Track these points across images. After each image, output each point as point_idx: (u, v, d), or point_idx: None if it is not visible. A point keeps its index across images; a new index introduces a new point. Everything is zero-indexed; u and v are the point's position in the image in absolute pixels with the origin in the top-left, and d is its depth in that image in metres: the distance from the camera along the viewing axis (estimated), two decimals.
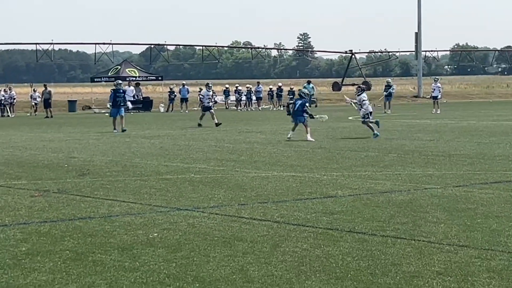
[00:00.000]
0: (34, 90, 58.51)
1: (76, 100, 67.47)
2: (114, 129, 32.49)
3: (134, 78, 63.32)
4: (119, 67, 66.34)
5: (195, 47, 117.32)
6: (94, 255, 8.93)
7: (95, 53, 74.76)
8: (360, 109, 28.00)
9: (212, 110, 36.68)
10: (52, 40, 74.10)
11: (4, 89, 58.64)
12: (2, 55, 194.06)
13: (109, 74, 65.65)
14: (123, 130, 32.10)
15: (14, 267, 8.36)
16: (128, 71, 64.38)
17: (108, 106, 35.70)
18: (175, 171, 17.48)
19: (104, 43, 71.77)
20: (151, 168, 18.10)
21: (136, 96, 60.53)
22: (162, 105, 62.22)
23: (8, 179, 16.29)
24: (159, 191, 14.20)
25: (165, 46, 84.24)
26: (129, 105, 35.63)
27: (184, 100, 60.82)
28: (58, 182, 15.59)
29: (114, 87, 34.05)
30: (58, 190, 14.38)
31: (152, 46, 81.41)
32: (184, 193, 13.92)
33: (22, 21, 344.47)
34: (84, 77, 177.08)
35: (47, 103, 53.66)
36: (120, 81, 35.75)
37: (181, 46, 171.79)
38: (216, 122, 35.12)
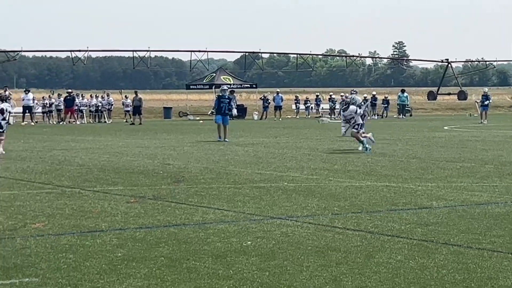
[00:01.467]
0: (125, 96, 59.54)
1: (171, 107, 68.35)
2: (219, 137, 31.59)
3: (229, 86, 63.77)
4: (214, 74, 66.97)
5: (290, 55, 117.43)
6: (188, 262, 9.01)
7: (190, 60, 75.55)
8: (348, 123, 26.41)
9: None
10: (149, 47, 75.27)
11: (102, 96, 59.87)
12: (100, 61, 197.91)
13: (204, 81, 66.35)
14: (224, 141, 31.08)
15: (110, 273, 8.50)
16: (223, 78, 64.94)
17: (210, 113, 35.53)
18: (269, 179, 17.52)
19: (199, 51, 72.39)
20: (245, 176, 18.19)
21: None
22: (256, 112, 62.55)
23: (104, 184, 16.60)
24: (253, 199, 14.25)
25: (260, 54, 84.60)
26: (234, 112, 34.07)
27: (277, 108, 60.99)
28: (154, 189, 15.81)
29: (219, 94, 33.70)
30: (154, 197, 14.58)
31: (247, 53, 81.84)
32: (278, 202, 13.94)
33: (120, 29, 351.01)
34: (180, 84, 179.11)
35: (137, 110, 54.36)
36: (225, 87, 34.54)
37: (275, 54, 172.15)
38: None
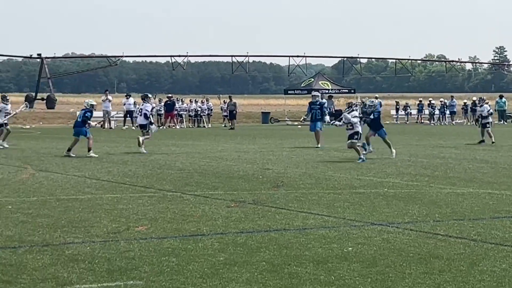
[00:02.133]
0: (224, 101, 60.06)
1: (269, 112, 68.61)
2: (317, 143, 30.95)
3: (327, 91, 63.68)
4: (313, 79, 66.95)
5: (388, 60, 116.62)
6: (290, 267, 9.02)
7: (288, 65, 75.65)
8: (349, 129, 24.41)
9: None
10: (247, 52, 75.75)
11: (202, 100, 60.51)
12: (198, 66, 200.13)
13: (302, 86, 66.37)
14: (316, 147, 30.53)
15: (212, 277, 8.57)
16: (321, 83, 64.88)
17: (302, 119, 35.22)
18: (368, 185, 17.42)
19: (297, 56, 72.45)
20: (344, 182, 18.12)
21: (328, 109, 60.85)
22: None
23: (205, 189, 16.76)
24: (353, 205, 14.19)
25: (358, 58, 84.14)
26: (327, 118, 33.04)
27: None
28: (253, 193, 15.88)
29: (310, 100, 33.23)
30: (254, 201, 14.65)
31: (345, 58, 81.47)
32: (378, 208, 13.84)
33: (219, 35, 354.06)
34: (277, 89, 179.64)
35: (231, 114, 54.91)
36: (316, 93, 34.24)
37: (373, 59, 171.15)
38: None
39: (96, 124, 30.54)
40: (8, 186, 17.09)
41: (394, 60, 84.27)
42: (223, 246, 10.29)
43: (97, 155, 25.10)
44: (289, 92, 70.13)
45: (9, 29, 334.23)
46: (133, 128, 51.20)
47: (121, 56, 75.22)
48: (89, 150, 25.33)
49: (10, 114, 31.40)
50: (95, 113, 57.70)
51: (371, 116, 25.54)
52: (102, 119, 53.05)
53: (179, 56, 70.89)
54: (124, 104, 55.07)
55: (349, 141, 24.15)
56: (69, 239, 10.76)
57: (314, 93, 34.71)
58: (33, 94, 62.65)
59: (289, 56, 73.47)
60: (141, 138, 27.45)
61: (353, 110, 24.64)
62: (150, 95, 30.36)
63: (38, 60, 71.35)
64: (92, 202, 14.51)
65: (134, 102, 55.34)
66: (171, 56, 71.54)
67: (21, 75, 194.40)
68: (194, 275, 8.64)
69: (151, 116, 28.42)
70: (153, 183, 17.90)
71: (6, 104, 31.39)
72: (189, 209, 13.69)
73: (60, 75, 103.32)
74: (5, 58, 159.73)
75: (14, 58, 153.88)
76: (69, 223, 12.05)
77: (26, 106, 39.54)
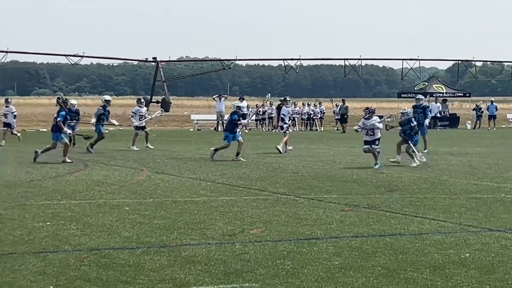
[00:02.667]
0: (336, 105, 59.84)
1: (382, 116, 68.03)
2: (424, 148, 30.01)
3: (441, 95, 62.76)
4: (427, 83, 66.11)
5: (504, 63, 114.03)
6: (405, 273, 8.93)
7: (401, 68, 74.91)
8: (369, 134, 23.46)
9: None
10: (360, 55, 75.27)
11: (314, 104, 60.51)
12: (311, 69, 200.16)
13: (416, 89, 65.59)
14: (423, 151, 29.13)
15: (327, 281, 8.56)
16: (435, 87, 63.98)
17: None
18: (485, 190, 17.08)
19: (411, 59, 71.70)
20: (460, 186, 17.82)
21: (442, 113, 59.97)
22: (469, 122, 61.09)
23: (319, 192, 16.74)
24: (469, 210, 13.94)
25: (473, 62, 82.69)
26: (426, 122, 31.76)
27: (491, 117, 59.33)
28: (368, 197, 15.78)
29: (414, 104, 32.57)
30: (368, 206, 14.55)
31: (459, 62, 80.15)
32: (495, 213, 13.56)
33: (331, 38, 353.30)
34: (390, 92, 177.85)
35: (343, 118, 54.61)
36: (420, 96, 33.36)
37: (488, 62, 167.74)
38: None
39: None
40: (125, 187, 17.46)
41: (510, 63, 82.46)
42: (338, 250, 10.26)
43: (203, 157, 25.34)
44: (402, 95, 69.40)
45: (126, 33, 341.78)
46: (246, 131, 51.54)
47: (234, 60, 75.93)
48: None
49: (145, 117, 32.06)
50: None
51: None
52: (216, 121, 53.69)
53: (292, 59, 71.08)
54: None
55: (368, 146, 23.38)
56: (186, 240, 10.92)
57: (418, 96, 34.11)
58: (148, 97, 63.82)
59: (403, 60, 72.74)
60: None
61: (372, 116, 23.92)
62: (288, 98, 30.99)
63: (153, 63, 72.70)
64: (207, 204, 14.68)
65: (248, 105, 55.75)
66: (283, 59, 71.78)
67: (137, 78, 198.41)
68: (309, 278, 8.64)
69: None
70: (267, 186, 17.99)
71: (141, 107, 32.16)
72: (303, 212, 13.70)
73: (174, 78, 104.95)
74: (121, 61, 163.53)
75: (130, 61, 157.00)
76: (185, 225, 12.23)
77: (162, 112, 40.33)
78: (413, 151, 24.13)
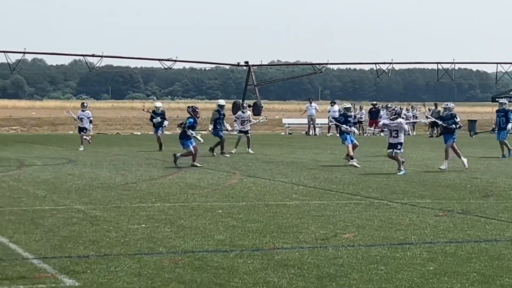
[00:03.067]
0: (429, 109, 59.15)
1: (476, 120, 67.02)
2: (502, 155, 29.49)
3: None
4: None
5: None
6: (502, 279, 8.77)
7: (496, 72, 73.76)
8: (393, 136, 22.46)
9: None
10: (454, 59, 74.35)
11: (406, 108, 60.05)
12: (403, 73, 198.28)
13: (511, 93, 64.44)
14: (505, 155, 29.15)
15: (422, 286, 8.47)
16: None
17: (492, 129, 33.31)
18: None
19: (505, 63, 70.60)
20: None
21: None
22: None
23: (412, 197, 16.58)
24: None
25: None
26: (509, 126, 30.28)
27: None
28: (462, 203, 15.55)
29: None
30: (462, 211, 14.34)
31: None
32: None
33: (424, 41, 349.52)
34: (483, 97, 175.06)
35: (434, 122, 53.86)
36: (503, 101, 32.38)
37: None
38: None
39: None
40: (218, 191, 17.61)
41: None
42: (432, 255, 10.13)
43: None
44: (496, 99, 68.18)
45: (218, 38, 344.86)
46: (338, 135, 51.34)
47: (326, 64, 75.86)
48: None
49: (249, 121, 32.27)
50: (300, 120, 58.39)
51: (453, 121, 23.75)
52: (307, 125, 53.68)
53: (384, 63, 70.69)
54: (329, 111, 55.42)
55: (392, 150, 22.38)
56: (278, 244, 10.95)
57: (501, 100, 33.29)
58: (240, 101, 64.25)
59: (497, 63, 71.60)
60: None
61: (398, 118, 23.20)
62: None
63: (245, 67, 73.20)
64: (299, 208, 14.69)
65: (339, 109, 55.50)
66: (375, 63, 71.51)
67: (228, 83, 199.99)
68: (403, 284, 8.56)
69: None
70: (359, 190, 17.90)
71: (244, 112, 32.43)
72: (396, 217, 13.58)
73: (266, 83, 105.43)
74: (214, 66, 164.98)
75: (222, 66, 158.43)
76: (277, 228, 12.26)
77: (265, 118, 40.64)
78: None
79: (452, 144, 23.51)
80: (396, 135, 22.44)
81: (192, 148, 24.34)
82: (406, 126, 23.36)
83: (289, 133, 55.60)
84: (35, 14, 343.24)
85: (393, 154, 22.32)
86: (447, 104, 24.61)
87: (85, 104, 36.02)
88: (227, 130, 30.61)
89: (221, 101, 32.10)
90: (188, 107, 26.02)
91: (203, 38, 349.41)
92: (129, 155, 29.75)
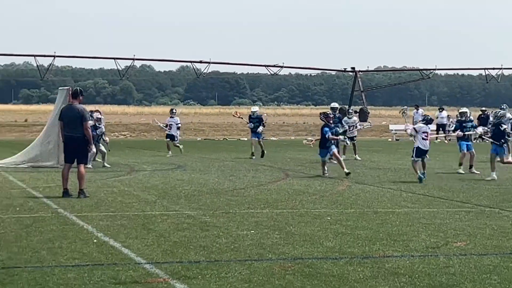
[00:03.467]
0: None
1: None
2: None
3: None
4: None
5: None
6: None
7: None
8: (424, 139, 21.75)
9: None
10: None
11: None
12: None
13: None
14: None
15: None
16: None
17: None
18: None
19: None
20: None
21: None
22: None
23: None
24: None
25: None
26: None
27: None
28: None
29: None
30: None
31: None
32: None
33: None
34: None
35: None
36: None
37: None
38: None
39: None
40: (326, 197, 17.57)
41: None
42: None
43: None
44: None
45: (324, 43, 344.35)
46: (446, 141, 50.63)
47: (434, 69, 74.85)
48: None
49: (355, 127, 31.99)
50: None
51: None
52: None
53: (493, 68, 69.32)
54: (437, 118, 54.65)
55: (420, 157, 21.74)
56: (388, 252, 10.85)
57: None
58: (346, 107, 64.06)
59: None
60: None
61: (430, 123, 22.49)
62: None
63: (351, 73, 72.89)
64: (409, 216, 14.52)
65: (448, 115, 54.79)
66: (484, 68, 70.18)
67: (334, 88, 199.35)
68: None
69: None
70: (470, 198, 17.59)
71: (350, 118, 32.11)
72: (509, 225, 13.29)
73: (372, 88, 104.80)
74: (320, 71, 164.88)
75: (328, 71, 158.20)
76: (387, 236, 12.15)
77: (370, 124, 40.32)
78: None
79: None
80: (425, 138, 21.84)
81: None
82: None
83: (396, 139, 55.08)
84: (144, 21, 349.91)
85: (420, 161, 21.73)
86: (503, 107, 23.90)
87: (174, 111, 35.38)
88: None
89: (334, 104, 31.55)
90: (321, 113, 24.43)
91: (309, 44, 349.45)
92: (237, 161, 29.98)
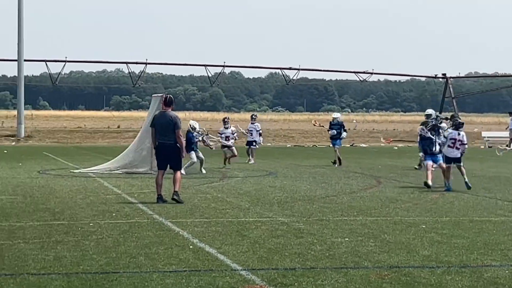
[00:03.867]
0: None
1: None
2: None
3: None
4: None
5: None
6: None
7: None
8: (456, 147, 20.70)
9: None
10: None
11: None
12: None
13: None
14: None
15: None
16: None
17: None
18: None
19: None
20: None
21: None
22: None
23: None
24: None
25: None
26: None
27: None
28: None
29: None
30: None
31: None
32: None
33: None
34: None
35: None
36: None
37: None
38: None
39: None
40: (420, 205, 17.36)
41: None
42: None
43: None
44: None
45: (413, 49, 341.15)
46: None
47: None
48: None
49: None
50: (501, 133, 56.71)
51: None
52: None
53: None
54: None
55: (450, 164, 20.88)
56: (487, 261, 10.66)
57: None
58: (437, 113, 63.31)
59: None
60: None
61: (461, 126, 21.18)
62: None
63: (442, 79, 72.03)
64: (506, 225, 14.25)
65: None
66: None
67: (424, 95, 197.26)
68: None
69: None
70: None
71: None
72: None
73: (463, 95, 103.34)
74: (409, 78, 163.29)
75: (417, 78, 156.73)
76: (484, 245, 11.95)
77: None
78: None
79: None
80: (460, 145, 20.86)
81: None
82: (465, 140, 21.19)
83: (489, 147, 54.11)
84: (235, 29, 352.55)
85: (450, 167, 20.84)
86: None
87: (254, 116, 34.74)
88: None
89: (430, 110, 30.74)
90: (433, 117, 23.15)
91: (398, 50, 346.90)
92: (328, 168, 29.88)
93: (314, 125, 35.22)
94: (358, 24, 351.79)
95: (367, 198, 18.78)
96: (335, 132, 31.62)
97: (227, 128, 31.79)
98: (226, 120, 32.46)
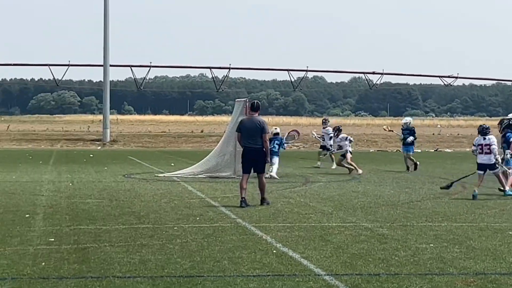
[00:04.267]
0: None
1: None
2: None
3: None
4: None
5: None
6: None
7: None
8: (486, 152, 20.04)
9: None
10: None
11: None
12: None
13: None
14: None
15: None
16: None
17: None
18: None
19: None
20: None
21: None
22: None
23: None
24: None
25: None
26: None
27: None
28: None
29: None
30: None
31: None
32: None
33: None
34: None
35: None
36: None
37: None
38: None
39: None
40: (507, 211, 17.08)
41: None
42: None
43: None
44: None
45: (500, 53, 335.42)
46: None
47: None
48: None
49: None
50: None
51: None
52: None
53: None
54: None
55: (482, 171, 20.27)
56: None
57: None
58: None
59: None
60: None
61: (487, 133, 20.35)
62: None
63: None
64: None
65: None
66: None
67: (511, 99, 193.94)
68: None
69: None
70: None
71: None
72: None
73: None
74: (495, 82, 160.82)
75: (504, 82, 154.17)
76: None
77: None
78: None
79: None
80: (488, 151, 20.19)
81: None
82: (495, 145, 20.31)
83: None
84: (318, 33, 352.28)
85: (483, 175, 20.37)
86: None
87: (325, 120, 34.16)
88: None
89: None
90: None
91: (484, 54, 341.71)
92: (411, 173, 29.60)
93: (385, 130, 34.59)
94: (441, 27, 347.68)
95: (452, 203, 18.53)
96: (412, 139, 30.57)
97: (325, 128, 32.97)
98: (325, 121, 33.86)
